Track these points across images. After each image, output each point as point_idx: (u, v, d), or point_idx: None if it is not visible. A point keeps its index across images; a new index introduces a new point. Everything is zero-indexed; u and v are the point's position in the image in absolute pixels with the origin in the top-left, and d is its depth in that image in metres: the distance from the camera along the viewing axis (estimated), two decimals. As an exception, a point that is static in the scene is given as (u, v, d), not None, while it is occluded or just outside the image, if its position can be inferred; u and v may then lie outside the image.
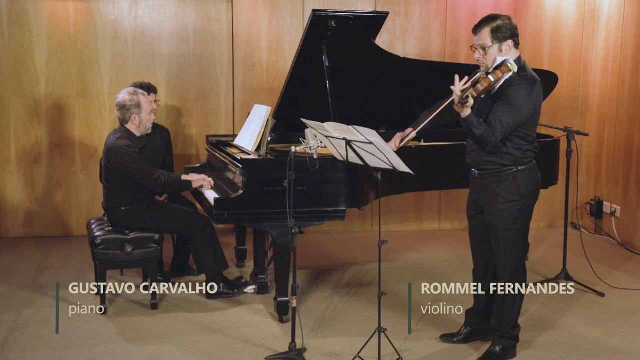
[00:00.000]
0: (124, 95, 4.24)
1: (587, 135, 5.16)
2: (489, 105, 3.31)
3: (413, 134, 3.61)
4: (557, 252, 5.38)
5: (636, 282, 4.89)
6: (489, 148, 3.28)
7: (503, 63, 3.18)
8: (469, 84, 3.18)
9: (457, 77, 3.17)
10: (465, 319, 3.80)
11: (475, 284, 3.69)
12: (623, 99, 5.95)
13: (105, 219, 4.55)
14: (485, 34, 3.29)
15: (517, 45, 3.34)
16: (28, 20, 5.78)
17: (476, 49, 3.34)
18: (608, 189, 6.20)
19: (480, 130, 3.19)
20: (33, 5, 5.78)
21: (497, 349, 3.53)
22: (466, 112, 3.17)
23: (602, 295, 4.55)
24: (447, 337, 3.80)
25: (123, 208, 4.29)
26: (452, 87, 3.16)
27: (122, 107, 4.24)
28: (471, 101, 3.14)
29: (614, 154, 6.09)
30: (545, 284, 4.76)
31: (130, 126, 4.29)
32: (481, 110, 3.33)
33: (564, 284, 4.76)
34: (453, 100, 3.19)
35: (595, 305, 4.40)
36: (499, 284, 3.49)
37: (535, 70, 5.65)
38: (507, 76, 3.18)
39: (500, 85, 3.25)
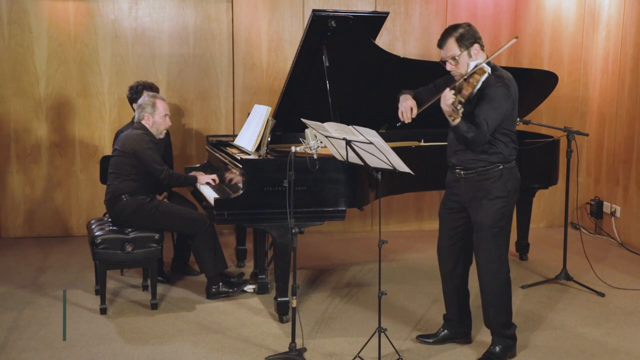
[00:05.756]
0: (144, 97, 4.48)
1: (587, 135, 5.17)
2: (469, 110, 3.35)
3: (415, 112, 3.55)
4: (557, 252, 5.38)
5: (636, 282, 4.89)
6: (479, 149, 3.35)
7: (477, 67, 3.27)
8: (453, 94, 3.21)
9: (446, 92, 3.20)
10: (443, 322, 3.81)
11: (446, 289, 3.74)
12: (623, 99, 5.95)
13: (106, 218, 4.56)
14: (452, 44, 3.37)
15: (482, 47, 3.43)
16: (28, 20, 5.78)
17: (446, 61, 3.41)
18: (608, 189, 6.20)
19: (472, 133, 3.25)
20: (33, 5, 5.78)
21: (497, 349, 3.53)
22: (457, 120, 3.23)
23: (602, 295, 4.55)
24: (423, 338, 3.80)
25: (125, 199, 4.31)
26: (441, 104, 3.21)
27: (139, 106, 4.45)
28: (461, 109, 3.18)
29: (614, 154, 6.09)
30: (545, 284, 4.79)
31: (145, 124, 4.44)
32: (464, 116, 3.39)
33: (564, 284, 4.79)
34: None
35: (595, 305, 4.40)
36: (483, 283, 3.51)
37: (535, 70, 5.69)
38: (483, 78, 3.27)
39: (479, 88, 3.30)
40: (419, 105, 3.55)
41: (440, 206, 3.70)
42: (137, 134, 4.35)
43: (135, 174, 4.34)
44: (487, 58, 3.37)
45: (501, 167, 3.40)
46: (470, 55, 3.37)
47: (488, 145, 3.37)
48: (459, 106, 3.17)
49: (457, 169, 3.51)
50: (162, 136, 4.51)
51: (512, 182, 3.44)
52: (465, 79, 3.27)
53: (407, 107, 3.54)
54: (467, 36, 3.36)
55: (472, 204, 3.47)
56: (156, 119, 4.40)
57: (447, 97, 3.18)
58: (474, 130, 3.25)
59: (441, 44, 3.42)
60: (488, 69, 3.26)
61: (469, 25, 3.42)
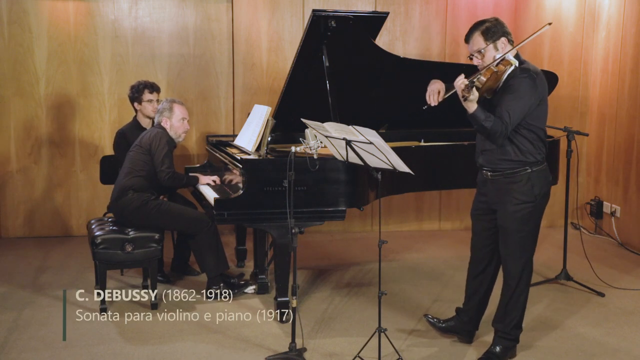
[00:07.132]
0: (163, 102, 4.61)
1: (587, 135, 5.16)
2: (493, 103, 3.32)
3: (442, 95, 3.46)
4: (557, 252, 5.37)
5: (636, 282, 4.89)
6: (500, 140, 3.29)
7: (503, 58, 3.22)
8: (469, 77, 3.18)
9: (460, 76, 3.19)
10: (455, 314, 3.83)
11: (470, 285, 3.74)
12: (623, 99, 5.95)
13: (106, 218, 4.56)
14: (477, 37, 3.34)
15: (511, 42, 3.36)
16: (28, 20, 5.78)
17: (473, 55, 3.37)
18: (608, 189, 6.20)
19: (490, 122, 3.21)
20: (33, 5, 5.78)
21: (497, 349, 3.53)
22: (472, 107, 3.19)
23: (602, 295, 4.55)
24: (430, 319, 3.89)
25: (130, 194, 4.32)
26: (455, 82, 3.17)
27: (158, 110, 4.60)
28: (475, 93, 3.13)
29: (614, 154, 6.09)
30: (545, 284, 4.79)
31: (164, 126, 4.54)
32: (487, 108, 3.33)
33: (564, 284, 4.79)
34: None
35: (595, 305, 4.40)
36: (505, 285, 3.50)
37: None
38: (509, 70, 3.21)
39: (504, 80, 3.25)
40: (446, 90, 3.47)
41: (472, 205, 3.67)
42: (158, 131, 4.48)
43: (147, 172, 4.40)
44: (515, 46, 3.28)
45: (529, 170, 3.33)
46: (496, 49, 3.31)
47: (512, 143, 3.31)
48: (473, 88, 3.09)
49: (485, 169, 3.47)
50: (180, 139, 4.60)
51: (540, 185, 3.37)
52: (487, 68, 3.21)
53: (434, 90, 3.47)
54: (493, 29, 3.31)
55: (498, 207, 3.43)
56: (173, 122, 4.51)
57: (459, 79, 3.14)
58: (492, 120, 3.21)
59: (467, 38, 3.38)
60: (515, 62, 3.20)
61: (496, 19, 3.37)
